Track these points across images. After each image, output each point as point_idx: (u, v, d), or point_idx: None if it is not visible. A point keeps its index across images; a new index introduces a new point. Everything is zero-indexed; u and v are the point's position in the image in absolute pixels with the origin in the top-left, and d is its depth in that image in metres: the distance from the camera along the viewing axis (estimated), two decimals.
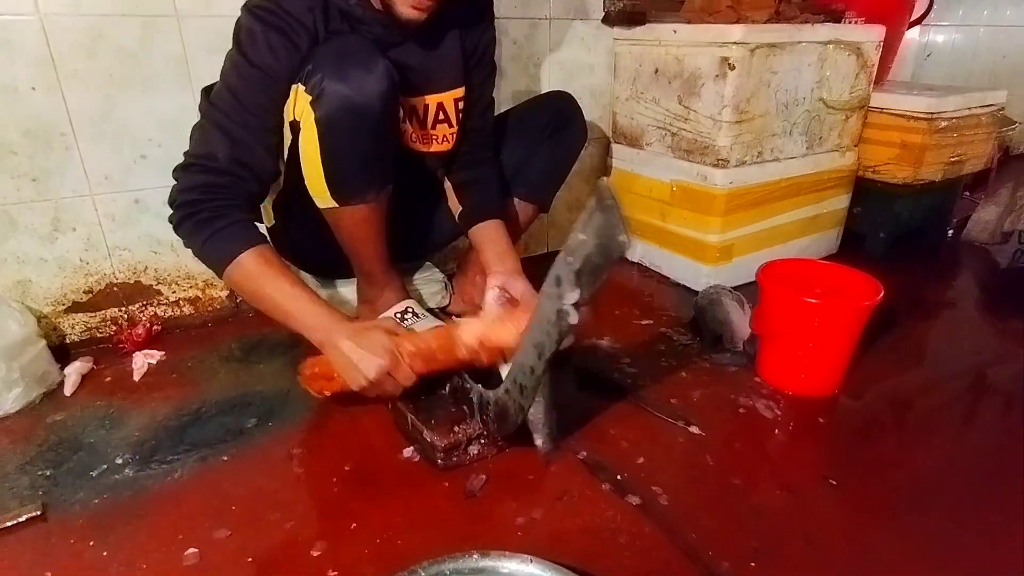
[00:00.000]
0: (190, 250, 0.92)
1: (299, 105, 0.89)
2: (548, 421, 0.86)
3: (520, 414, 0.77)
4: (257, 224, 0.93)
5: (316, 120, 0.88)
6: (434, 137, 1.11)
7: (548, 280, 0.65)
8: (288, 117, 0.92)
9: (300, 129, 0.91)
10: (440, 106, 1.08)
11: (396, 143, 1.04)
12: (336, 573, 0.73)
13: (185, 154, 0.92)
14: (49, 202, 1.12)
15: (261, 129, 0.91)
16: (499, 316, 0.88)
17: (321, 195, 0.96)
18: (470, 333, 0.87)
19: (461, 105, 1.11)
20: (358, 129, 0.89)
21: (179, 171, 0.92)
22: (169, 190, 0.91)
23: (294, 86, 0.90)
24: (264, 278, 0.89)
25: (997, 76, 2.64)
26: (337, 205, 0.96)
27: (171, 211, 0.91)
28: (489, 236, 1.09)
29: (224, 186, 0.90)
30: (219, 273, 0.91)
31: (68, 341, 1.22)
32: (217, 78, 0.91)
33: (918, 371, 1.20)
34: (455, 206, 1.17)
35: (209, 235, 0.88)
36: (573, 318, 0.62)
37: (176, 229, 0.91)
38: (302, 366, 0.98)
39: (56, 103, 1.08)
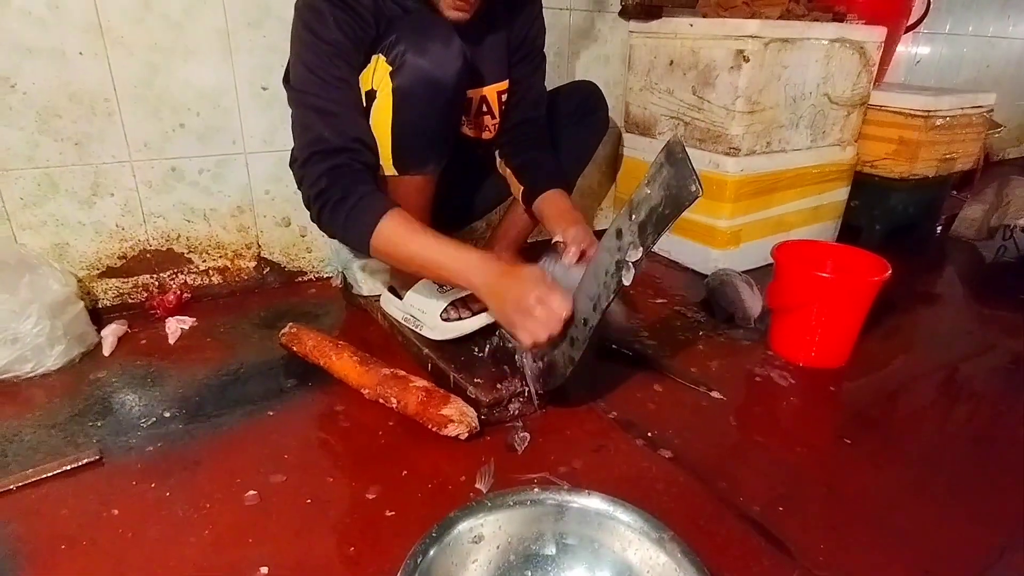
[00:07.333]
0: (339, 241, 0.98)
1: (378, 74, 0.92)
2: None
3: (570, 366, 0.81)
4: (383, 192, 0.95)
5: (394, 90, 0.91)
6: (480, 126, 1.15)
7: (607, 234, 0.70)
8: (365, 87, 0.95)
9: (375, 98, 0.94)
10: (483, 99, 1.12)
11: (458, 122, 1.07)
12: (393, 513, 0.77)
13: (295, 150, 0.96)
14: (90, 167, 1.14)
15: (349, 100, 0.93)
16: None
17: (384, 163, 0.98)
18: None
19: (504, 98, 1.14)
20: (431, 102, 0.93)
21: (299, 168, 0.94)
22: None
23: (375, 56, 0.93)
24: (407, 237, 0.89)
25: (980, 84, 2.78)
26: (397, 174, 0.99)
27: (310, 212, 0.95)
28: (550, 202, 1.09)
29: (344, 165, 0.91)
30: (367, 250, 0.92)
31: (101, 306, 1.23)
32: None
33: (912, 352, 1.27)
34: (516, 189, 1.16)
35: (345, 216, 0.90)
36: (630, 273, 0.67)
37: (321, 225, 0.95)
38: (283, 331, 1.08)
39: (102, 69, 1.10)
